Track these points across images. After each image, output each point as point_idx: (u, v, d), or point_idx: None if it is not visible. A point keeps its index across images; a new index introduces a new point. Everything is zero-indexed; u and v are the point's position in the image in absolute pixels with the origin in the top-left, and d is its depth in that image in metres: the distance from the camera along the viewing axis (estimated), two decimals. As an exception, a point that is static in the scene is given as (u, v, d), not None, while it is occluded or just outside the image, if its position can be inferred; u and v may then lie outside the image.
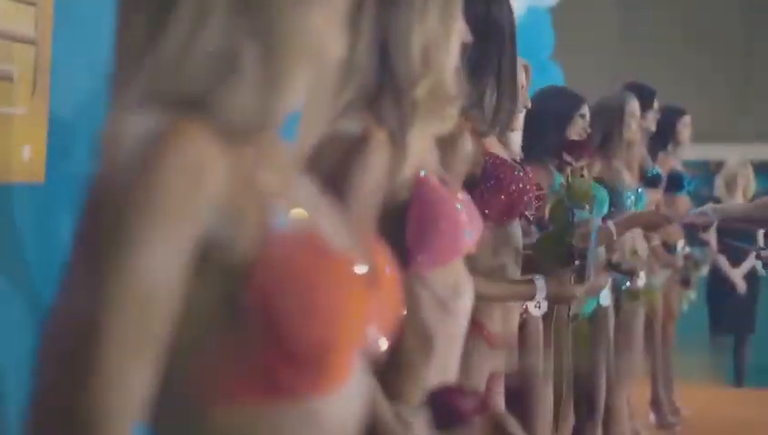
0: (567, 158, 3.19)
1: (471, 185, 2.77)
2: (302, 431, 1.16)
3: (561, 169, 3.75)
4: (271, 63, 1.15)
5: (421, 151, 1.95)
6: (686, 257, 6.34)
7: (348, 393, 1.20)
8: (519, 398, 3.44)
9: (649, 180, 5.75)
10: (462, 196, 2.03)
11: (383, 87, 1.90)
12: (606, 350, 4.55)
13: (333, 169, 1.83)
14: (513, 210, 2.89)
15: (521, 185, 2.88)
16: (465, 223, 1.89)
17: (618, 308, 4.93)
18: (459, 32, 1.96)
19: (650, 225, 4.34)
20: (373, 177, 1.83)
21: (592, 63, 10.89)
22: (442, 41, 1.91)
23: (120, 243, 1.04)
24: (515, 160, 3.09)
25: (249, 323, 1.10)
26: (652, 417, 6.74)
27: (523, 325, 3.12)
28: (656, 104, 5.97)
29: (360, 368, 1.24)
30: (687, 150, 6.88)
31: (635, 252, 4.88)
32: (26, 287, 2.32)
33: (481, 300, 2.80)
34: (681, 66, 12.08)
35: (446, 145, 2.72)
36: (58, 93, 2.38)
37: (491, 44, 2.82)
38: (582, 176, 3.59)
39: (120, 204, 1.05)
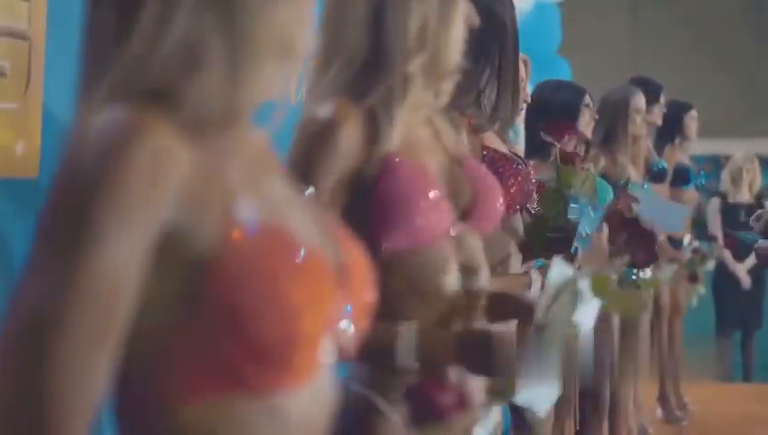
0: (547, 138, 3.16)
1: None
2: (269, 427, 1.14)
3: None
4: (236, 57, 1.16)
5: (412, 126, 1.91)
6: (694, 252, 6.31)
7: (315, 389, 1.19)
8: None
9: (655, 175, 5.74)
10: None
11: (371, 61, 1.87)
12: (610, 345, 4.53)
13: (303, 154, 1.82)
14: (513, 204, 2.88)
15: (520, 178, 2.86)
16: (434, 207, 1.85)
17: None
18: (462, 11, 1.94)
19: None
20: (339, 162, 1.81)
21: (601, 59, 10.85)
22: (442, 18, 1.89)
23: (79, 236, 1.04)
24: (516, 154, 3.08)
25: (213, 318, 1.10)
26: (659, 412, 6.72)
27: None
28: (662, 99, 5.96)
29: (328, 363, 1.22)
30: (702, 145, 6.87)
31: None
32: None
33: None
34: (692, 62, 12.04)
35: None
36: (51, 89, 2.37)
37: (491, 39, 2.81)
38: (587, 169, 3.55)
39: (81, 196, 1.05)
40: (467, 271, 1.89)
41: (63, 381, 1.02)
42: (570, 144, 3.23)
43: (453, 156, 2.01)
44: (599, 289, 1.86)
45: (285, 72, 1.21)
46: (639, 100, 5.16)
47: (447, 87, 1.93)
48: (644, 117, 5.20)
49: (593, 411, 4.47)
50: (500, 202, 2.03)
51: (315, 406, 1.19)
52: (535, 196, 3.04)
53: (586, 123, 4.17)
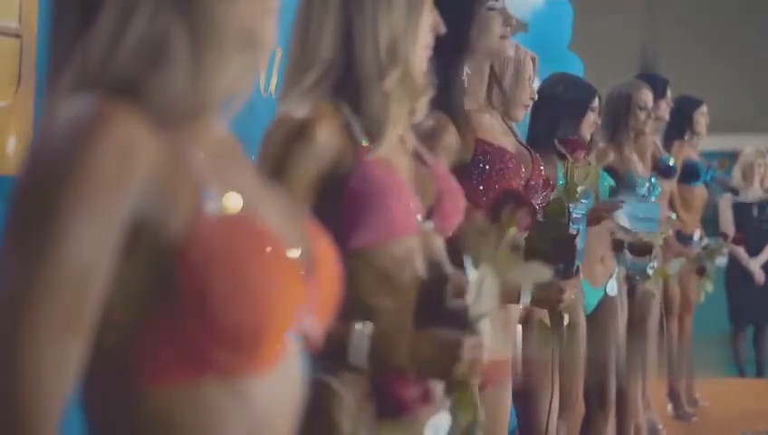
0: (561, 149, 3.18)
1: (464, 175, 2.77)
2: (236, 411, 1.16)
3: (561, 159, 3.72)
4: (200, 51, 1.16)
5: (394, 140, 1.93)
6: (704, 248, 6.30)
7: (282, 376, 1.20)
8: (522, 390, 3.44)
9: (662, 170, 5.72)
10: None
11: (345, 75, 1.88)
12: (615, 341, 4.52)
13: (279, 150, 1.83)
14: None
15: (513, 173, 2.86)
16: (403, 204, 1.86)
17: (631, 298, 4.90)
18: (429, 23, 1.94)
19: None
20: (314, 159, 1.82)
21: (614, 54, 10.83)
22: (410, 32, 1.89)
23: (48, 225, 1.04)
24: (525, 147, 3.08)
25: (182, 304, 1.11)
26: (669, 408, 6.70)
27: (527, 320, 3.10)
28: (668, 94, 5.94)
29: (295, 351, 1.24)
30: (719, 141, 6.84)
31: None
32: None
33: None
34: (706, 57, 12.00)
35: (427, 139, 2.72)
36: (43, 86, 2.38)
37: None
38: (589, 163, 3.54)
39: (48, 185, 1.06)
40: (433, 267, 1.90)
41: (33, 367, 1.03)
42: (580, 158, 3.24)
43: (417, 156, 2.01)
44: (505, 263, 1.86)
45: (250, 64, 1.22)
46: (644, 94, 5.13)
47: (422, 103, 1.93)
48: (649, 112, 5.17)
49: (598, 407, 4.46)
50: (463, 202, 2.03)
51: (282, 391, 1.21)
52: (542, 192, 3.04)
53: (588, 126, 4.18)
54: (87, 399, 1.15)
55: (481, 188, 2.81)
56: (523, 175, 2.91)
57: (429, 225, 1.93)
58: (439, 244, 1.95)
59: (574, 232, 2.98)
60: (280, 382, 1.20)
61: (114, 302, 1.10)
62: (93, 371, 1.11)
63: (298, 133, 1.83)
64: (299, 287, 1.20)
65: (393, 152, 1.93)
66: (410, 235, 1.87)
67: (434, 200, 1.97)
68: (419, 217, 1.90)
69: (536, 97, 3.49)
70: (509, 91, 3.38)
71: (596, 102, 4.26)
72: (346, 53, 1.88)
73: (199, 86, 1.17)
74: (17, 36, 2.31)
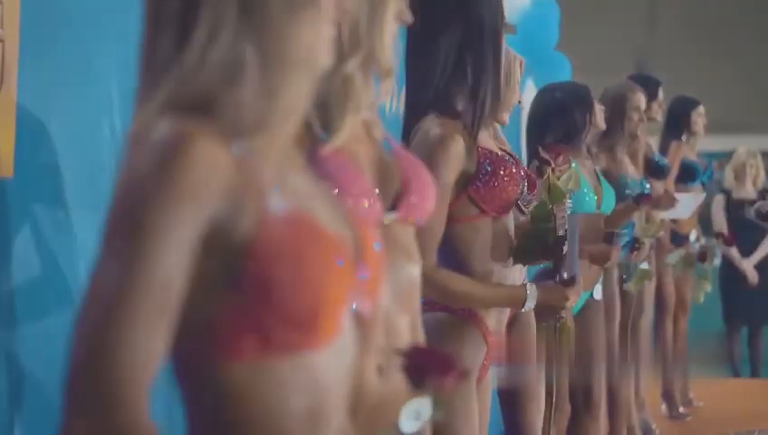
0: (545, 155, 3.19)
1: (466, 181, 2.79)
2: (298, 380, 1.36)
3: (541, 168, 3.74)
4: (268, 72, 1.35)
5: (354, 127, 1.92)
6: (702, 248, 6.33)
7: (338, 350, 1.40)
8: (513, 394, 3.45)
9: (654, 170, 5.73)
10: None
11: None
12: (602, 343, 4.54)
13: None
14: (509, 202, 2.90)
15: (514, 176, 2.87)
16: (362, 196, 1.86)
17: (623, 298, 4.92)
18: (393, 8, 1.94)
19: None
20: None
21: (603, 55, 10.82)
22: (372, 17, 1.90)
23: (140, 234, 1.25)
24: (507, 152, 3.09)
25: (249, 292, 1.32)
26: (664, 408, 6.72)
27: (514, 321, 3.11)
28: (661, 94, 5.96)
29: (351, 330, 1.43)
30: (718, 141, 6.85)
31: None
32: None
33: (467, 302, 2.82)
34: (706, 58, 12.00)
35: (435, 147, 2.73)
36: (25, 88, 2.39)
37: (473, 37, 2.83)
38: (569, 166, 3.56)
39: (139, 201, 1.26)
40: (395, 261, 1.91)
41: (127, 348, 1.23)
42: (563, 162, 3.26)
43: (381, 145, 2.02)
44: None
45: (310, 84, 1.40)
46: (638, 96, 5.16)
47: (387, 86, 1.94)
48: (642, 114, 5.19)
49: (584, 407, 4.47)
50: (432, 192, 2.04)
51: (339, 364, 1.41)
52: (529, 194, 3.05)
53: (600, 118, 4.26)
54: (178, 371, 1.36)
55: (487, 196, 2.82)
56: (521, 181, 2.92)
57: (391, 215, 1.93)
58: (408, 234, 1.95)
59: (562, 234, 2.99)
60: (336, 356, 1.40)
61: (195, 291, 1.30)
62: (183, 347, 1.32)
63: None
64: (349, 275, 1.40)
65: (353, 140, 1.92)
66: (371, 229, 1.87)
67: (400, 189, 1.97)
68: (380, 210, 1.89)
69: (522, 100, 3.52)
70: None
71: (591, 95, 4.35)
72: None
73: (266, 103, 1.35)
74: (0, 40, 2.32)
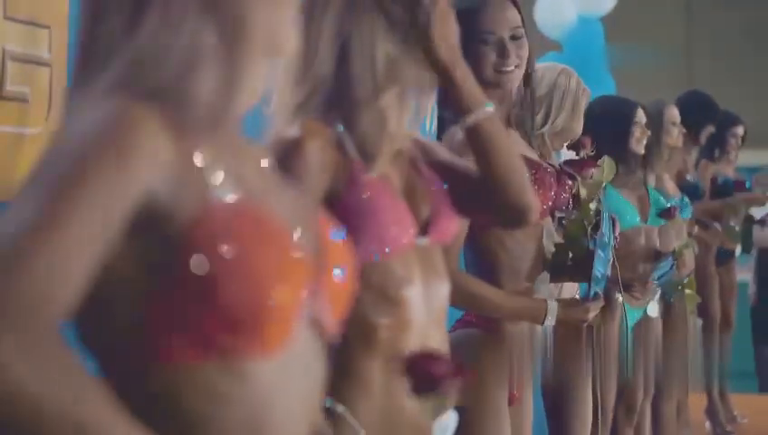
0: (569, 170, 3.23)
1: None
2: (236, 391, 1.22)
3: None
4: (230, 57, 1.25)
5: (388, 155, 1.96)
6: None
7: (290, 360, 1.27)
8: (558, 401, 3.47)
9: (687, 191, 5.72)
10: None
11: (340, 91, 1.91)
12: (647, 358, 4.54)
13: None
14: (543, 210, 2.92)
15: (543, 183, 2.90)
16: (397, 221, 1.90)
17: (668, 313, 4.90)
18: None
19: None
20: (307, 179, 1.85)
21: (647, 74, 10.78)
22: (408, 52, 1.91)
23: (70, 174, 1.13)
24: (548, 162, 3.13)
25: (186, 286, 1.19)
26: (708, 425, 6.68)
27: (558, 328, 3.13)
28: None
29: (307, 337, 1.30)
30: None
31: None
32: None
33: (483, 307, 2.84)
34: (749, 73, 11.91)
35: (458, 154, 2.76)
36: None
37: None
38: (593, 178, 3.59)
39: (76, 152, 1.15)
40: (430, 282, 1.94)
41: (42, 260, 1.10)
42: (588, 175, 3.30)
43: (413, 169, 2.04)
44: None
45: (272, 70, 1.32)
46: (674, 112, 5.18)
47: (424, 110, 1.97)
48: (679, 129, 5.20)
49: (626, 420, 4.47)
50: (456, 215, 2.06)
51: (288, 376, 1.27)
52: (565, 204, 3.09)
53: (637, 141, 4.31)
54: (105, 366, 1.24)
55: None
56: (553, 188, 2.96)
57: (423, 240, 1.95)
58: (437, 257, 1.99)
59: (592, 248, 3.01)
60: (288, 366, 1.26)
61: (124, 281, 1.19)
62: (111, 341, 1.21)
63: (289, 155, 1.84)
64: (302, 274, 1.26)
65: (388, 168, 1.95)
66: (404, 253, 1.89)
67: (430, 214, 1.99)
68: (413, 233, 1.92)
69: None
70: (564, 123, 3.57)
71: (639, 116, 4.35)
72: (341, 69, 1.90)
73: (226, 93, 1.25)
74: (47, 65, 2.38)
